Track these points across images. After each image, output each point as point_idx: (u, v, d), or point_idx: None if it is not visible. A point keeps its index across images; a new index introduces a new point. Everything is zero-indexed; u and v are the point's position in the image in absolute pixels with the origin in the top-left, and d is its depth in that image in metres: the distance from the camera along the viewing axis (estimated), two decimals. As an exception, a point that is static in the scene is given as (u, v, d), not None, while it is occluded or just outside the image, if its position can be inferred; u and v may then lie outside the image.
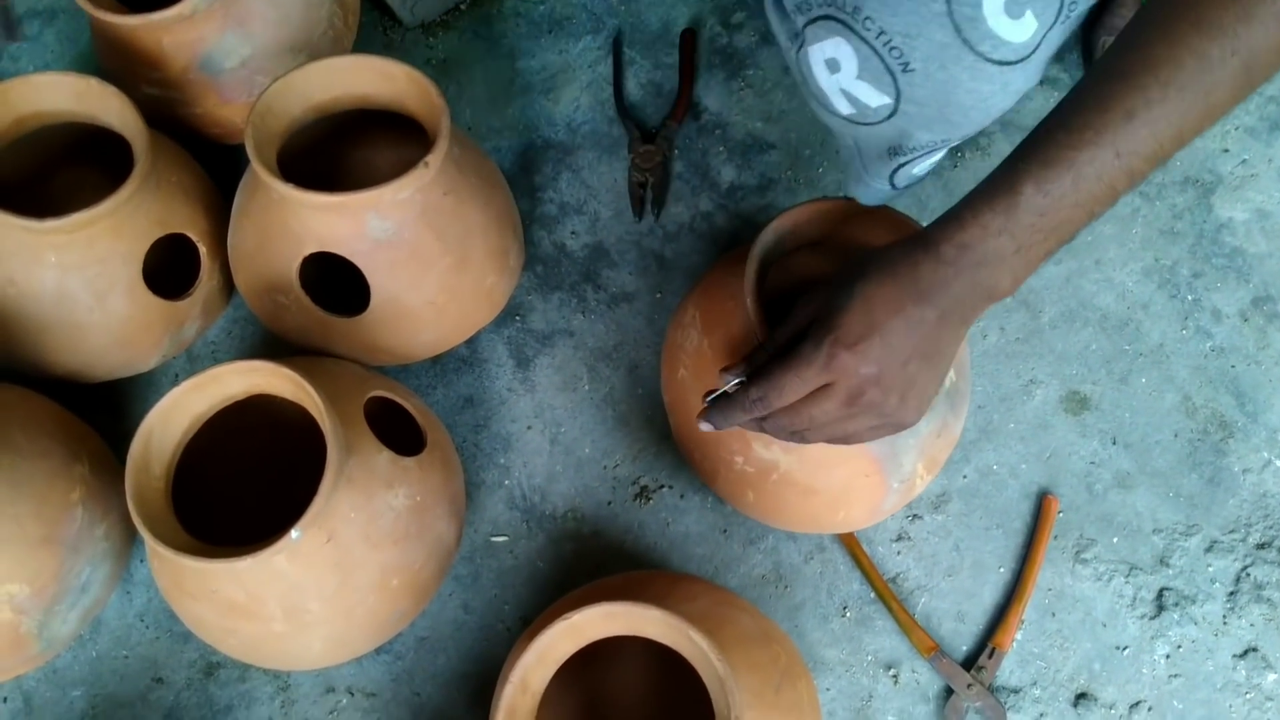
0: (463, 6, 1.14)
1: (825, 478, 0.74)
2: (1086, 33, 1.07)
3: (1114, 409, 0.95)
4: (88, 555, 0.80)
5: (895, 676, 0.87)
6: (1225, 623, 0.88)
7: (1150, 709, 0.86)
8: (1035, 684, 0.87)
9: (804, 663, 0.75)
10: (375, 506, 0.73)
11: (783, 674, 0.70)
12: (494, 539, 0.92)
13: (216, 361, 0.86)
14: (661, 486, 0.93)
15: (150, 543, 0.67)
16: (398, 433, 0.79)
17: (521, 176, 1.05)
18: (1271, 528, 0.91)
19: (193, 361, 0.98)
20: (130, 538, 0.86)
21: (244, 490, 0.89)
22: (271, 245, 0.83)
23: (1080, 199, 0.54)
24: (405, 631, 0.88)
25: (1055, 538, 0.90)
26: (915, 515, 0.92)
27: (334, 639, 0.75)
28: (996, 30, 0.64)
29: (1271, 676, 0.87)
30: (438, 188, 0.80)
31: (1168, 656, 0.88)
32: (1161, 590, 0.89)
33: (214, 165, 0.97)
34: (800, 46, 0.71)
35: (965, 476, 0.93)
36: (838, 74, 0.70)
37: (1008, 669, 0.87)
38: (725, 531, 0.91)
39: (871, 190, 0.82)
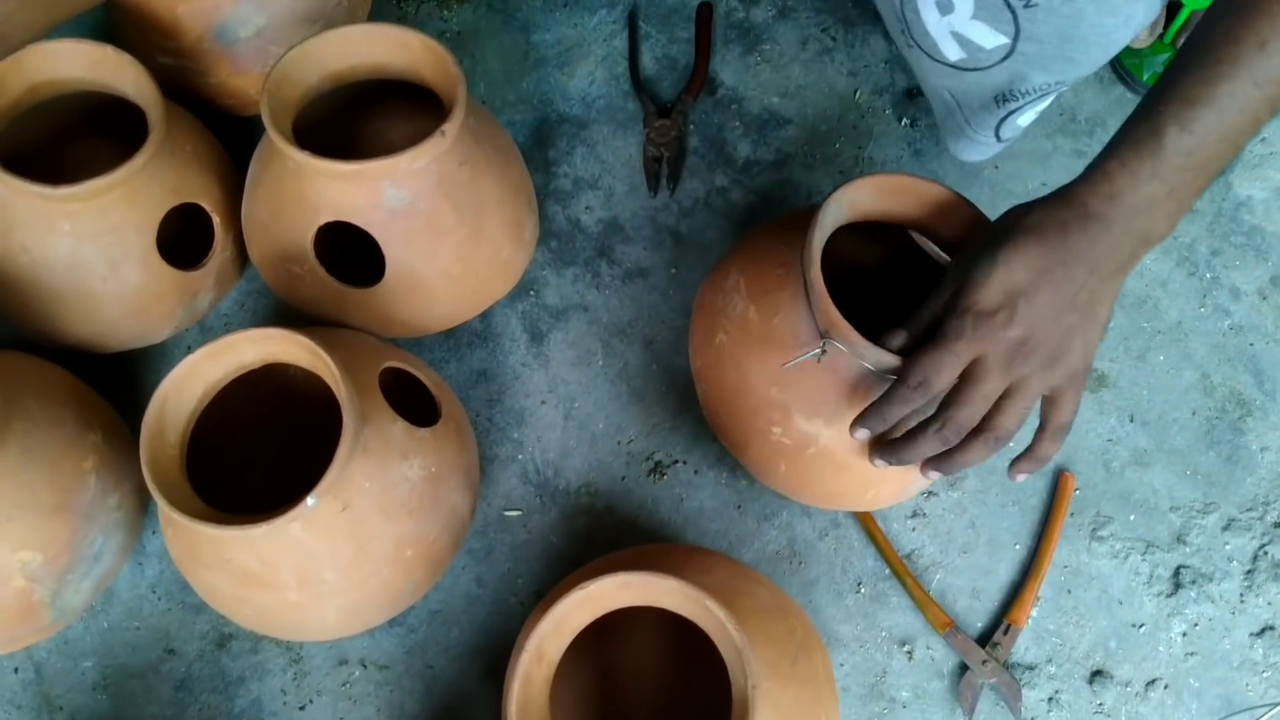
0: (477, -20, 1.13)
1: (862, 454, 0.73)
2: None
3: (1132, 386, 0.95)
4: (100, 524, 0.80)
5: (910, 652, 0.87)
6: (1242, 601, 0.88)
7: (1166, 686, 0.86)
8: (1050, 661, 0.86)
9: (819, 636, 0.75)
10: (390, 477, 0.73)
11: (799, 646, 0.70)
12: (507, 513, 0.91)
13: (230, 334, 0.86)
14: (676, 462, 0.93)
15: (165, 509, 0.66)
16: (412, 406, 0.79)
17: (536, 151, 1.05)
18: (1289, 507, 0.91)
19: (206, 334, 0.97)
20: (143, 508, 0.86)
21: (255, 463, 0.89)
22: (286, 215, 0.82)
23: (1225, 132, 0.54)
24: (418, 604, 0.87)
25: (1072, 515, 0.90)
26: (931, 492, 0.91)
27: (348, 609, 0.75)
28: None
29: (1288, 655, 0.86)
30: (453, 158, 0.80)
31: (1184, 634, 0.87)
32: (1178, 568, 0.89)
33: (228, 137, 0.96)
34: None
35: (981, 453, 0.92)
36: (950, 15, 0.68)
37: (1023, 646, 0.87)
38: (739, 507, 0.91)
39: (975, 144, 0.79)
